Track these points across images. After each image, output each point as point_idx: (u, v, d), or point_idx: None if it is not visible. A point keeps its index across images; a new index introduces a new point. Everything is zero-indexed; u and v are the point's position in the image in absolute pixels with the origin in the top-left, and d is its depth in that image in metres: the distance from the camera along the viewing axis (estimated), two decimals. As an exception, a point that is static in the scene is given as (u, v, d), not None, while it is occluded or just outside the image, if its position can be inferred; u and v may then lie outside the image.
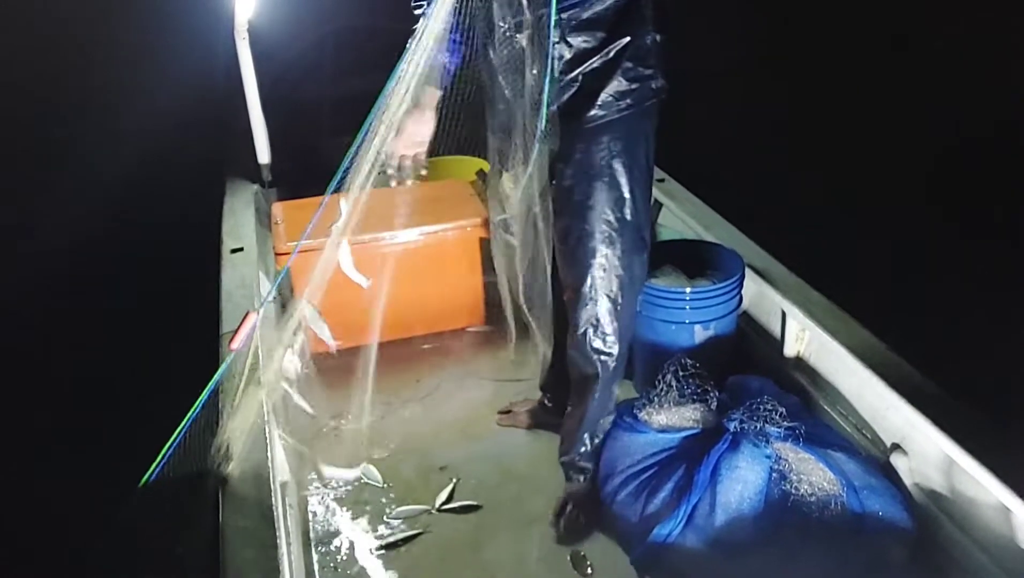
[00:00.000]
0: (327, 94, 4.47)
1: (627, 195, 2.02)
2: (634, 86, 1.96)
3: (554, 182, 2.08)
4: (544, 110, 1.84)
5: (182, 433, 1.84)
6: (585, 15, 1.88)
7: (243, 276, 2.60)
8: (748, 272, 2.55)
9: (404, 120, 1.79)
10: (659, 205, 3.08)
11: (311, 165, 4.02)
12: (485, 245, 2.94)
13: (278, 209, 3.05)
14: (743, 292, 2.55)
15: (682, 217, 2.95)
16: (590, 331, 2.11)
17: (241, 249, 2.77)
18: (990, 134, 4.70)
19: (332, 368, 2.05)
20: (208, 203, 3.30)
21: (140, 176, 4.81)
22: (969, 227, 3.95)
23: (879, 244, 3.87)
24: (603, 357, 2.14)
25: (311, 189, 3.24)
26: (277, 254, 2.84)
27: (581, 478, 2.24)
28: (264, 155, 3.43)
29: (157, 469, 1.90)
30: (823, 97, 5.45)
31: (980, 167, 4.50)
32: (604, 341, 2.12)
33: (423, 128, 1.99)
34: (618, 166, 2.00)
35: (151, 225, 4.39)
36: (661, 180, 3.08)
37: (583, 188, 2.02)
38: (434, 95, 1.95)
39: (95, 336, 3.61)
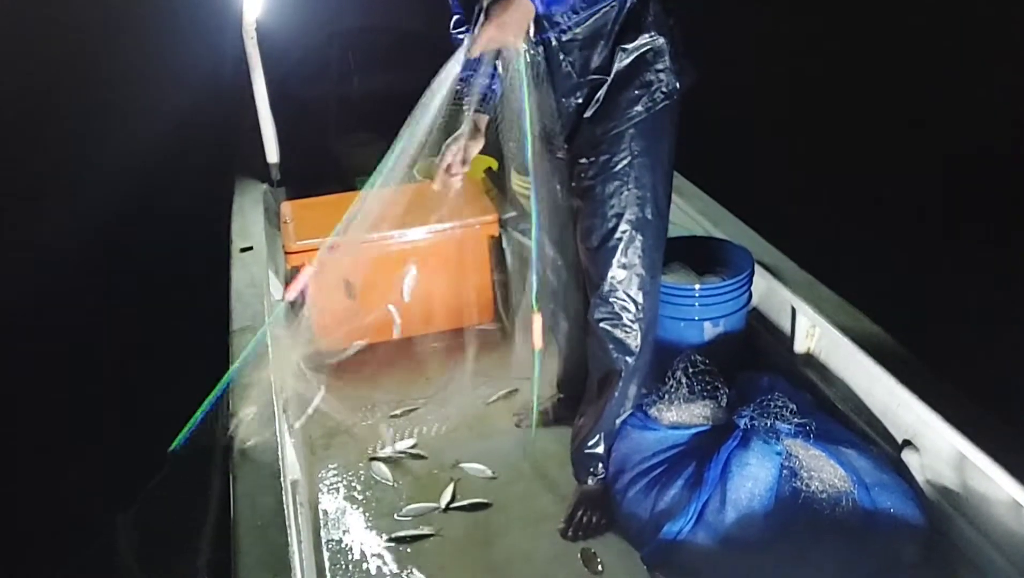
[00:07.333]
0: (335, 93, 4.48)
1: (649, 194, 2.05)
2: (646, 92, 1.99)
3: (574, 184, 2.11)
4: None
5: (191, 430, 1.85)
6: (587, 31, 1.93)
7: (253, 275, 2.61)
8: (758, 268, 2.54)
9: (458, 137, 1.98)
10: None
11: (319, 164, 4.06)
12: (495, 243, 2.94)
13: (287, 208, 3.06)
14: (753, 288, 2.54)
15: (691, 213, 2.94)
16: (612, 328, 2.12)
17: (251, 248, 2.78)
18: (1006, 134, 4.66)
19: (343, 366, 2.05)
20: (217, 202, 3.31)
21: (149, 175, 4.83)
22: (982, 224, 3.92)
23: (889, 241, 3.84)
24: (625, 356, 2.15)
25: (320, 188, 3.28)
26: (287, 253, 2.84)
27: (590, 480, 2.22)
28: (273, 154, 3.44)
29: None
30: (832, 94, 5.42)
31: (995, 165, 4.47)
32: (626, 338, 2.13)
33: (475, 147, 2.08)
34: (640, 166, 2.02)
35: (160, 224, 4.40)
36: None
37: (606, 189, 2.04)
38: (483, 119, 2.07)
39: (104, 335, 3.62)
